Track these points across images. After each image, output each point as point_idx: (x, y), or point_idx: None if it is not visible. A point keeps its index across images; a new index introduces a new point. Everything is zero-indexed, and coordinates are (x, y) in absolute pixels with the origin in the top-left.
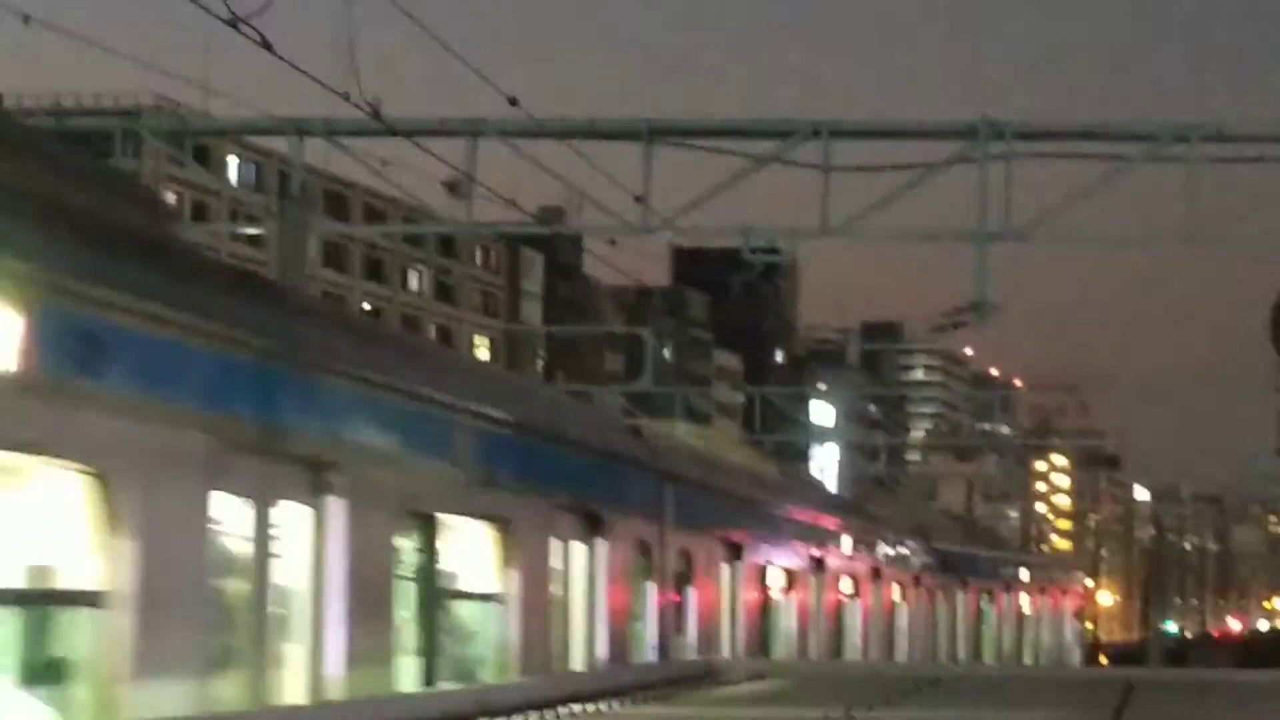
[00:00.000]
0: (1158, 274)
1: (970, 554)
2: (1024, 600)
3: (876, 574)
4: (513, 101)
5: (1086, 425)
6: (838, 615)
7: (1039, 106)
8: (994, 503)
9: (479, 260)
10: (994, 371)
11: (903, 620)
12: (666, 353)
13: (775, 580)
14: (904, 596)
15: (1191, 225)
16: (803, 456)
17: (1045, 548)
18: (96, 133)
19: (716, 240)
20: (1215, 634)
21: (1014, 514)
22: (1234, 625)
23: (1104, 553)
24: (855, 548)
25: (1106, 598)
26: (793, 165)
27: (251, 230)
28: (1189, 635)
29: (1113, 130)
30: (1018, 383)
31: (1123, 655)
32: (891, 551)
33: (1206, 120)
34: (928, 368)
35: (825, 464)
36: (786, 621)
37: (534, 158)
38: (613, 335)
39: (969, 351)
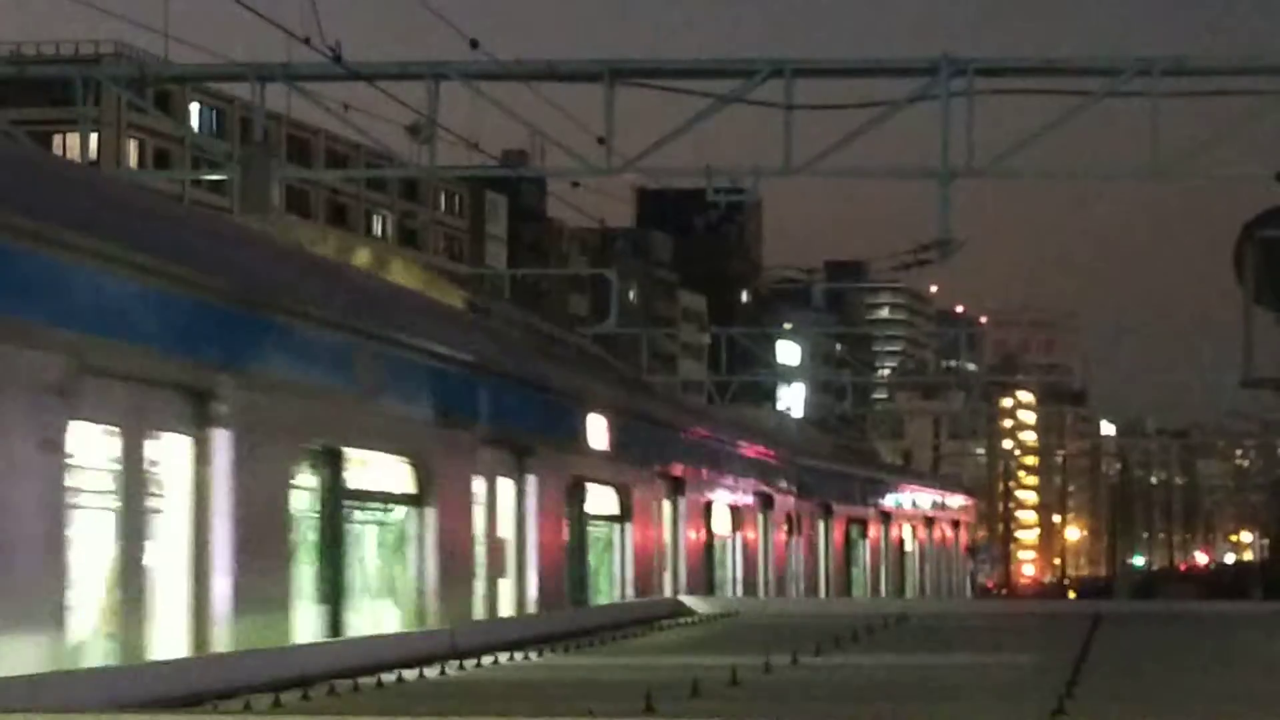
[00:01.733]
0: (1122, 209)
1: (836, 472)
2: (906, 532)
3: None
4: (474, 44)
5: (1052, 361)
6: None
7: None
8: (960, 440)
9: (443, 205)
10: (959, 309)
11: (733, 554)
12: (631, 294)
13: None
14: (735, 524)
15: (1155, 160)
16: (769, 397)
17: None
18: (57, 81)
19: (680, 181)
20: (1182, 567)
21: (981, 451)
22: (1200, 559)
23: (1071, 488)
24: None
25: (1074, 533)
26: (755, 104)
27: (214, 176)
28: (1156, 569)
29: (1074, 65)
30: (983, 320)
31: (1091, 589)
32: (712, 463)
33: (1168, 54)
34: (893, 306)
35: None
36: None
37: (496, 100)
38: (577, 278)
39: (934, 289)
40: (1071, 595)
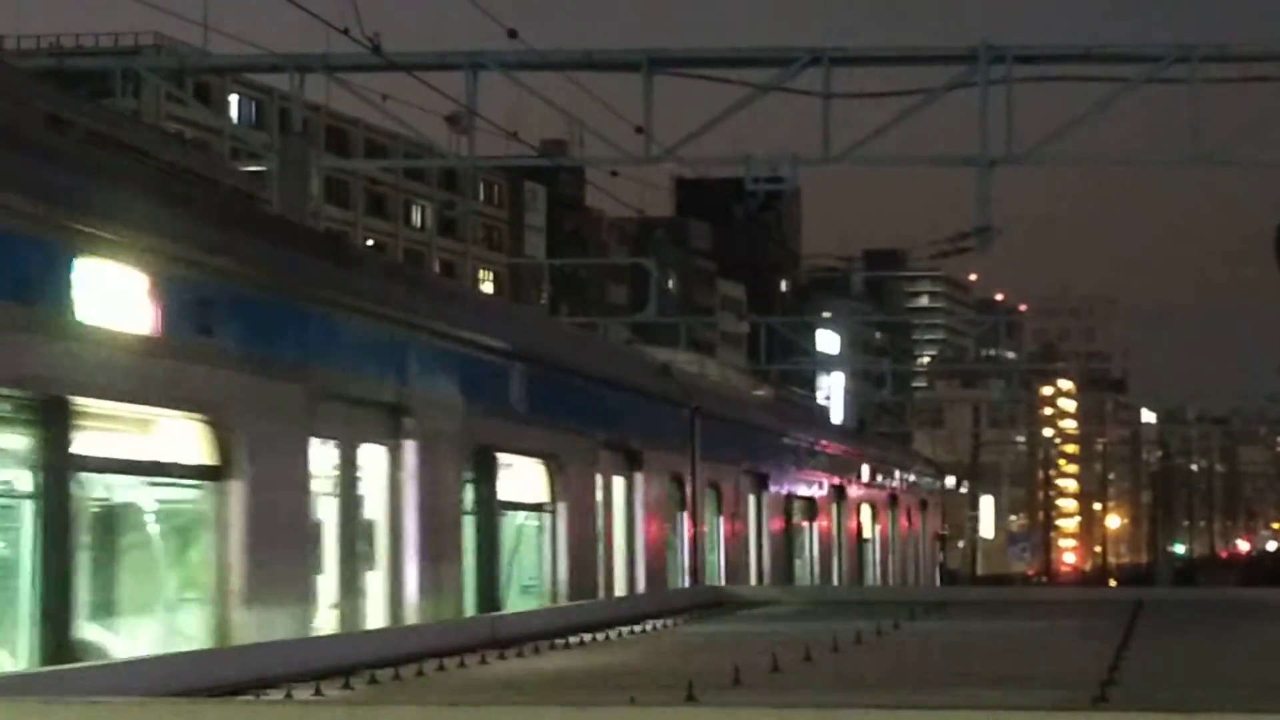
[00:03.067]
0: (1162, 196)
1: (762, 429)
2: (865, 516)
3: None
4: (512, 34)
5: (1092, 349)
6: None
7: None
8: (1000, 428)
9: (482, 194)
10: (999, 297)
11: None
12: (670, 283)
13: None
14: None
15: (1194, 146)
16: (809, 385)
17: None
18: (96, 73)
19: (718, 170)
20: (1223, 554)
21: (1021, 440)
22: (1241, 546)
23: (1111, 476)
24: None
25: (1115, 521)
26: (794, 93)
27: (254, 168)
28: (1197, 556)
29: (1114, 52)
30: (1022, 308)
31: (1132, 577)
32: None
33: (1208, 41)
34: (932, 294)
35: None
36: None
37: (535, 90)
38: (616, 267)
39: (973, 277)
40: (1113, 583)
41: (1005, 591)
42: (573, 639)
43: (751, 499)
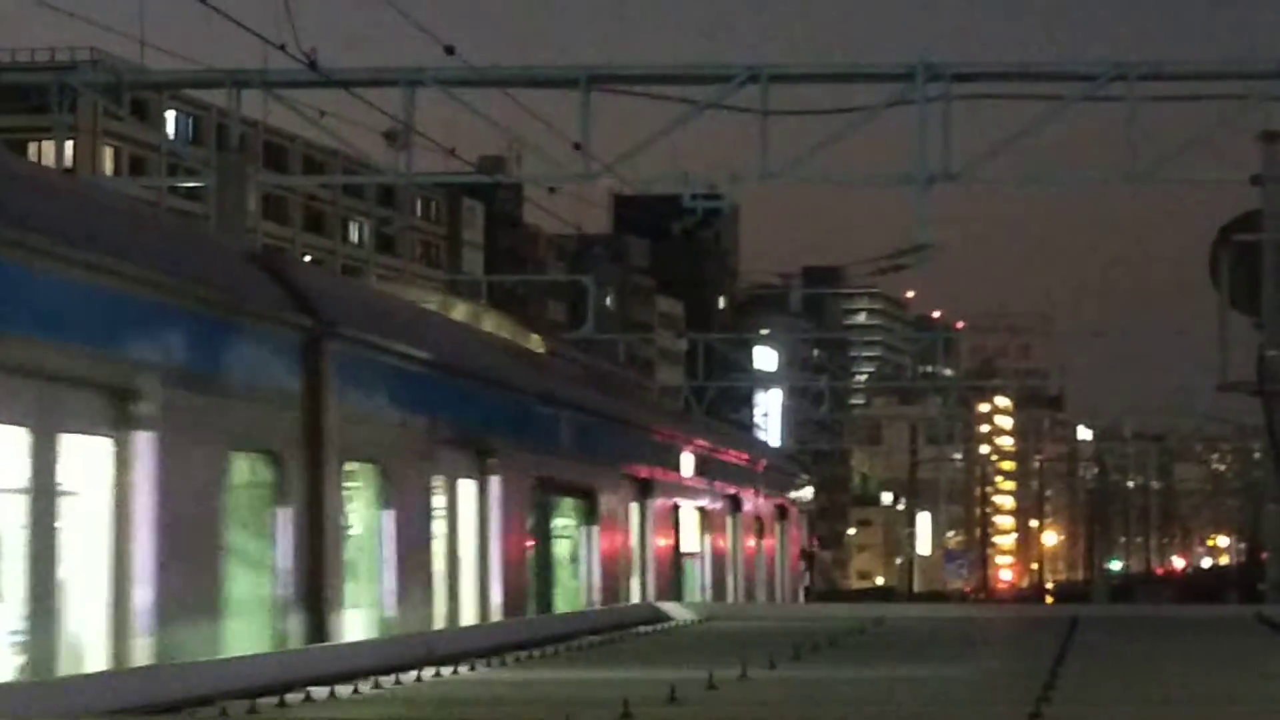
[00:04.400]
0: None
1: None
2: (688, 524)
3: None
4: (449, 50)
5: (1028, 366)
6: None
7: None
8: (938, 445)
9: (420, 211)
10: (936, 314)
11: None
12: (609, 300)
13: None
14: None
15: (1131, 165)
16: (747, 402)
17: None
18: (32, 88)
19: (657, 186)
20: (1159, 571)
21: (958, 456)
22: (1178, 563)
23: (1048, 493)
24: None
25: (1051, 538)
26: (732, 110)
27: (191, 184)
28: (1134, 573)
29: (1050, 69)
30: (959, 325)
31: (1069, 594)
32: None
33: (1144, 59)
34: (870, 311)
35: (770, 409)
36: None
37: (473, 107)
38: (555, 284)
39: (911, 295)
40: (1049, 600)
41: (943, 609)
42: (509, 656)
43: (470, 489)
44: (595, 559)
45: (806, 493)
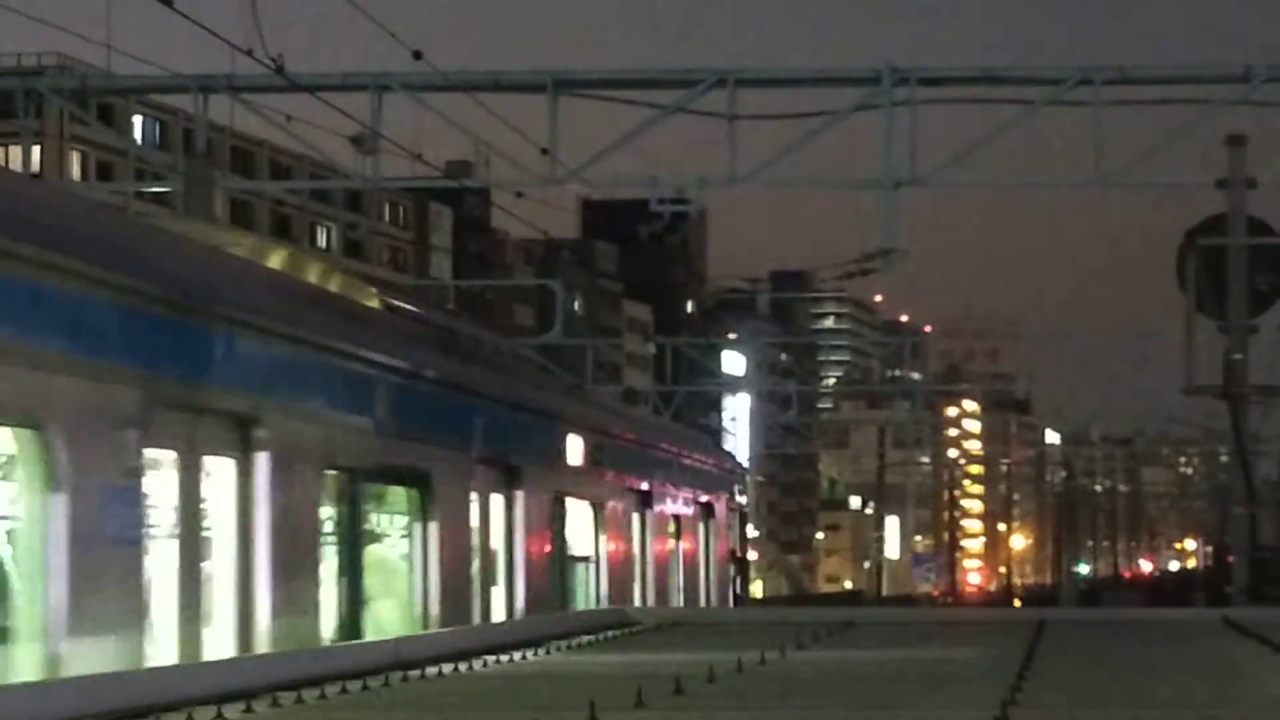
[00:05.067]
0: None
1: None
2: (580, 521)
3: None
4: (417, 55)
5: (996, 370)
6: None
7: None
8: (906, 449)
9: (387, 216)
10: (903, 318)
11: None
12: (576, 305)
13: None
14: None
15: (1098, 169)
16: (715, 406)
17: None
18: None
19: (624, 191)
20: (1127, 575)
21: (926, 460)
22: (1145, 566)
23: (1016, 497)
24: None
25: (1020, 541)
26: (699, 115)
27: (158, 188)
28: (1101, 577)
29: (1017, 74)
30: (927, 329)
31: (1037, 597)
32: None
33: (1110, 63)
34: (838, 315)
35: (738, 413)
36: None
37: (440, 112)
38: (522, 289)
39: (878, 299)
40: (1017, 603)
41: (911, 611)
42: (476, 661)
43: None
44: (433, 566)
45: (738, 489)
